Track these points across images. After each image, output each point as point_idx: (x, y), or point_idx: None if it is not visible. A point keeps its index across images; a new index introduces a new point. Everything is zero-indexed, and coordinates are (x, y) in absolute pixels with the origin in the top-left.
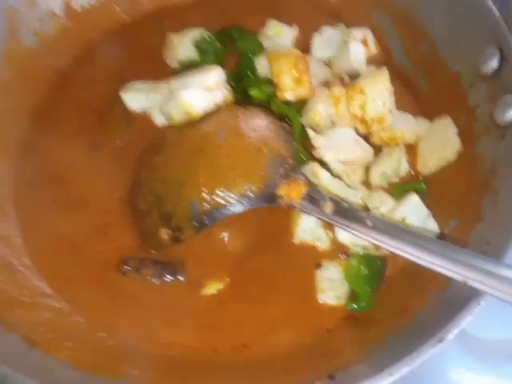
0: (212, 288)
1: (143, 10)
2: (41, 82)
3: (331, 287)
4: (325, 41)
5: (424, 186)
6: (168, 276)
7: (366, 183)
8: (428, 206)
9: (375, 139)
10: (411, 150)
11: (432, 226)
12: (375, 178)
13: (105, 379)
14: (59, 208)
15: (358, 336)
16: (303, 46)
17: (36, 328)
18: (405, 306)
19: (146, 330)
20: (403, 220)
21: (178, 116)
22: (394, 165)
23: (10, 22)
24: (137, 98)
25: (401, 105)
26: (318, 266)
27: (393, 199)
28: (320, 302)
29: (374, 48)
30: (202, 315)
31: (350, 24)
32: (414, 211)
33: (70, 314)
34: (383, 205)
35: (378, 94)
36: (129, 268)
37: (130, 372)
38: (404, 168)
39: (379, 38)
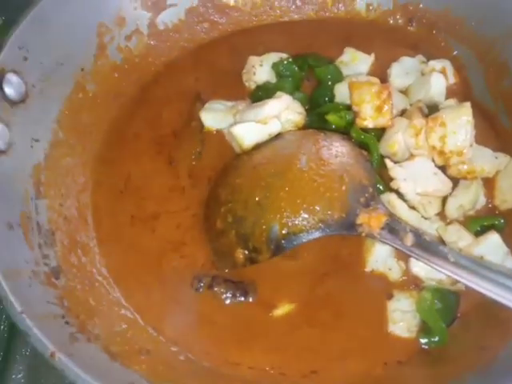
0: (283, 310)
1: (222, 31)
2: (121, 96)
3: (402, 319)
4: (403, 70)
5: (502, 221)
6: (239, 295)
7: (441, 215)
8: (505, 242)
9: (452, 171)
10: (489, 183)
11: (511, 264)
12: (452, 210)
13: None
14: (135, 222)
15: (431, 372)
16: (379, 74)
17: (114, 338)
18: (482, 344)
19: (216, 348)
20: (481, 257)
21: (235, 144)
22: (471, 198)
23: (100, 38)
24: (214, 117)
25: (480, 138)
26: (390, 296)
27: (470, 234)
28: (391, 332)
29: (452, 79)
30: (273, 337)
31: (429, 55)
32: (493, 249)
33: (144, 326)
34: (461, 240)
35: (459, 127)
36: (202, 285)
37: None
38: (481, 201)
39: (459, 70)
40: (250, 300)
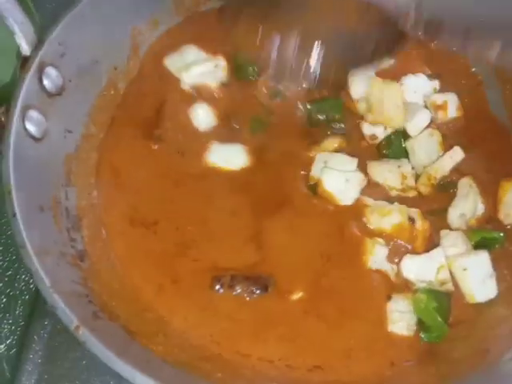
0: (297, 296)
1: None
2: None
3: (401, 318)
4: (413, 87)
5: (502, 234)
6: (260, 290)
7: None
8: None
9: None
10: (489, 195)
11: (490, 287)
12: (454, 220)
13: (194, 377)
14: (139, 226)
15: (437, 372)
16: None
17: (133, 320)
18: (487, 346)
19: (229, 340)
20: (464, 270)
21: None
22: (471, 205)
23: (134, 40)
24: None
25: (496, 154)
26: (389, 297)
27: (468, 244)
28: (391, 332)
29: (454, 113)
30: (284, 327)
31: (447, 71)
32: (478, 266)
33: (160, 315)
34: (454, 247)
35: None
36: (221, 285)
37: (214, 374)
38: (480, 209)
39: (476, 86)
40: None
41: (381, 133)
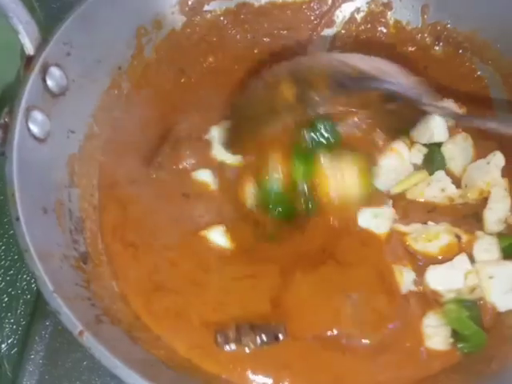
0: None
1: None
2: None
3: (436, 333)
4: None
5: None
6: (270, 340)
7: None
8: None
9: None
10: None
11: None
12: (491, 223)
13: (195, 381)
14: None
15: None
16: None
17: (134, 324)
18: (492, 353)
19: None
20: (490, 278)
21: None
22: (506, 209)
23: (139, 40)
24: None
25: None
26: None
27: (499, 253)
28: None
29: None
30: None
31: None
32: (505, 276)
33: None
34: (487, 252)
35: None
36: (228, 340)
37: (216, 378)
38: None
39: (481, 90)
40: (281, 339)
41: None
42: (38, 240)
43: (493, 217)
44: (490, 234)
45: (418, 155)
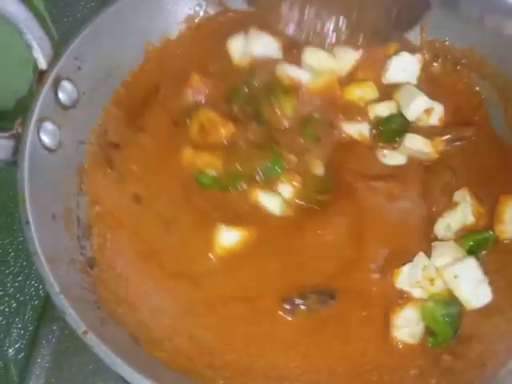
0: None
1: None
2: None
3: (407, 325)
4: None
5: (491, 232)
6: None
7: None
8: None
9: None
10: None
11: (484, 292)
12: (441, 230)
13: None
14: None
15: None
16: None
17: (138, 327)
18: (484, 361)
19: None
20: (455, 277)
21: None
22: (459, 217)
23: (147, 54)
24: None
25: (501, 174)
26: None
27: (458, 253)
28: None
29: (436, 122)
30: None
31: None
32: (468, 272)
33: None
34: (441, 257)
35: None
36: (295, 306)
37: (217, 381)
38: (470, 220)
39: (479, 106)
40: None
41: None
42: (46, 244)
43: (442, 224)
44: (447, 242)
45: None
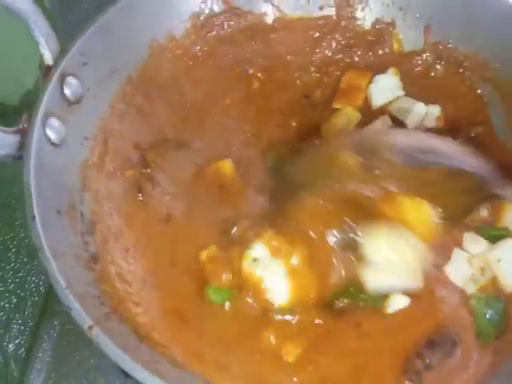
0: None
1: None
2: None
3: None
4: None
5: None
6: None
7: None
8: None
9: None
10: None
11: None
12: None
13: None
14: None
15: None
16: None
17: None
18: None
19: None
20: (498, 261)
21: None
22: None
23: (152, 51)
24: None
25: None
26: None
27: (485, 240)
28: None
29: (432, 124)
30: None
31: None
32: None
33: None
34: (475, 244)
35: None
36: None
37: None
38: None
39: (480, 108)
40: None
41: None
42: (51, 239)
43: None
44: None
45: None
